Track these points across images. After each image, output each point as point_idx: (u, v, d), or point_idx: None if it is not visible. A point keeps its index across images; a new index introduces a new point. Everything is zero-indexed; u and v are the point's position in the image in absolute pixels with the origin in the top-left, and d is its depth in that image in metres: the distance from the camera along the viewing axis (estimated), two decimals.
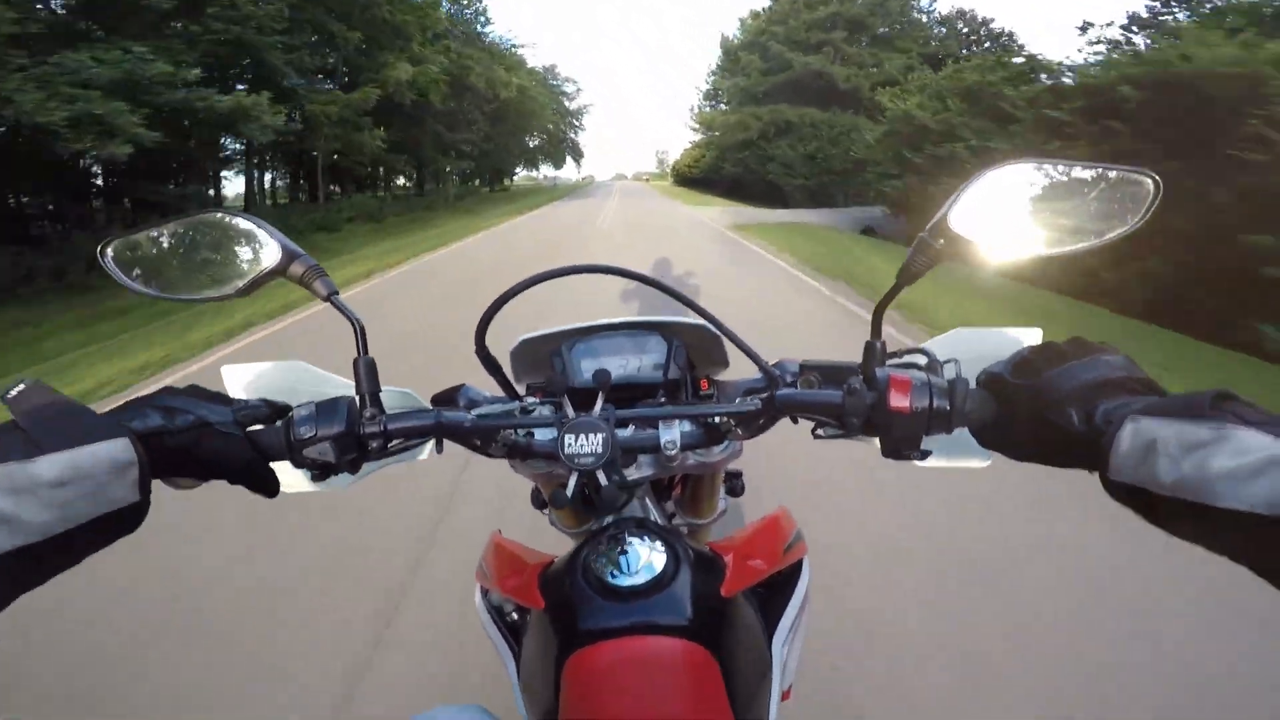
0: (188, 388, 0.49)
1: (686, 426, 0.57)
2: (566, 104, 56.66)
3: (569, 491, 0.52)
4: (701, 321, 0.61)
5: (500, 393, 0.67)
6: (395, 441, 0.54)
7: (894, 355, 0.54)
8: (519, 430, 0.57)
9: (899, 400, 0.47)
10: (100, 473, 0.36)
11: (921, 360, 0.52)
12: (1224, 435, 0.31)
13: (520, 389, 0.72)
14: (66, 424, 0.37)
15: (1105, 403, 0.40)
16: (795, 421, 0.57)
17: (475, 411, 0.58)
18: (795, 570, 0.65)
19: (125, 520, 0.39)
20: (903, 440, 0.48)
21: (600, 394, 0.55)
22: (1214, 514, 0.31)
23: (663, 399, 0.66)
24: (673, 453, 0.55)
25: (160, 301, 0.60)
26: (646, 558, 0.53)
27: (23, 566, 0.34)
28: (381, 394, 0.55)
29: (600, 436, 0.51)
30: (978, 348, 0.56)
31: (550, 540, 0.82)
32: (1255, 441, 0.30)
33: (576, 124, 61.30)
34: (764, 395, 0.56)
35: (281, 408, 0.53)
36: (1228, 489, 0.30)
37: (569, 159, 64.72)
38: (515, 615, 0.66)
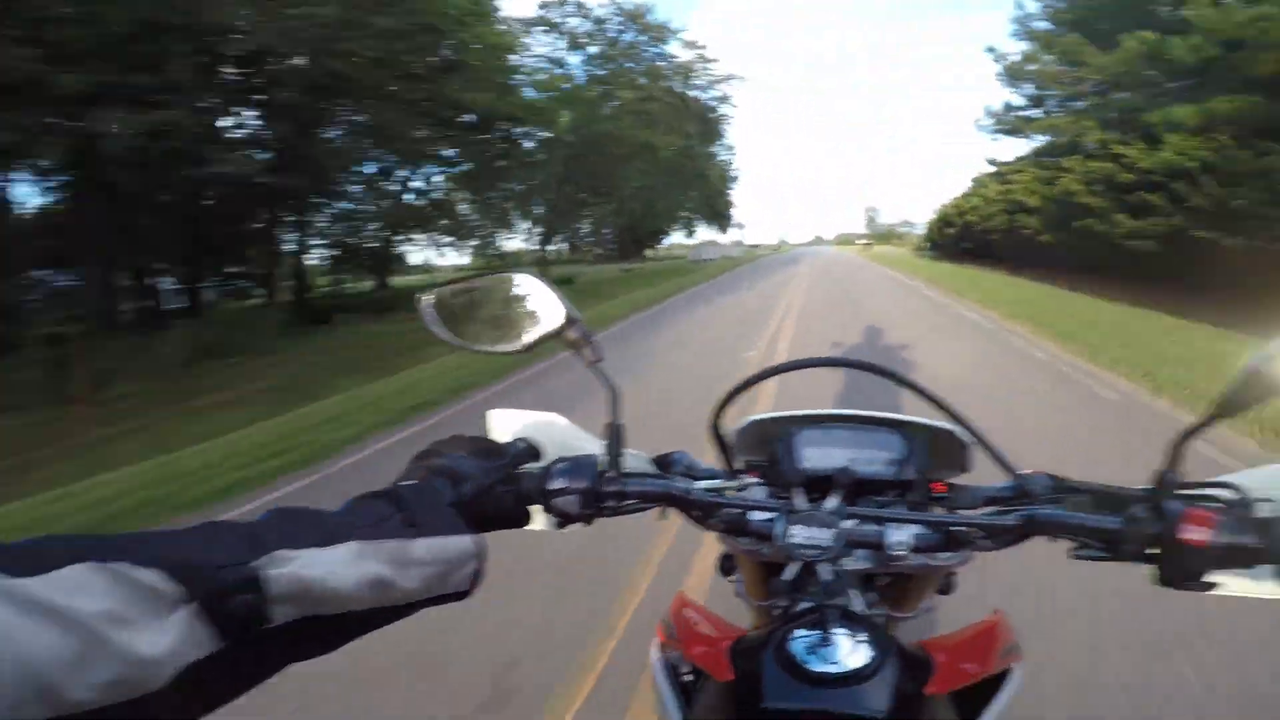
0: (466, 444, 0.55)
1: (920, 529, 0.55)
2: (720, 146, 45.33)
3: (787, 576, 0.53)
4: (948, 425, 0.59)
5: (717, 465, 0.69)
6: (629, 502, 0.58)
7: (1191, 486, 0.49)
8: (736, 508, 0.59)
9: (1193, 533, 0.44)
10: (454, 561, 0.43)
11: (1227, 494, 0.47)
12: None
13: (739, 463, 0.73)
14: (434, 513, 0.44)
15: None
16: (1053, 540, 0.53)
17: (700, 484, 0.61)
18: (1003, 677, 0.60)
19: (452, 598, 0.44)
20: (1188, 571, 0.46)
21: (839, 490, 0.56)
22: None
23: (893, 498, 0.65)
24: (900, 554, 0.53)
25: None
26: (850, 649, 0.51)
27: (371, 619, 0.39)
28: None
29: (829, 532, 0.52)
30: None
31: (722, 604, 0.81)
32: None
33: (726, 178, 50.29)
34: (1019, 509, 0.53)
35: (537, 453, 0.59)
36: None
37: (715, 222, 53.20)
38: (690, 677, 0.66)
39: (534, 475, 0.56)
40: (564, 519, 0.57)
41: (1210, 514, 0.44)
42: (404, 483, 0.48)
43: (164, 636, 0.28)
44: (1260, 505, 0.45)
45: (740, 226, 56.28)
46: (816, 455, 0.67)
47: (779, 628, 0.56)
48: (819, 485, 0.60)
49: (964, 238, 26.48)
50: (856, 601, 0.71)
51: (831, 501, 0.55)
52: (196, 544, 0.32)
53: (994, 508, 0.58)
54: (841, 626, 0.53)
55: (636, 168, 24.71)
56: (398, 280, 27.10)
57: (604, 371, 0.60)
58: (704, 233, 56.51)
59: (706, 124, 40.25)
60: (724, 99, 40.88)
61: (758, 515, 0.58)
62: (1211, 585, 0.46)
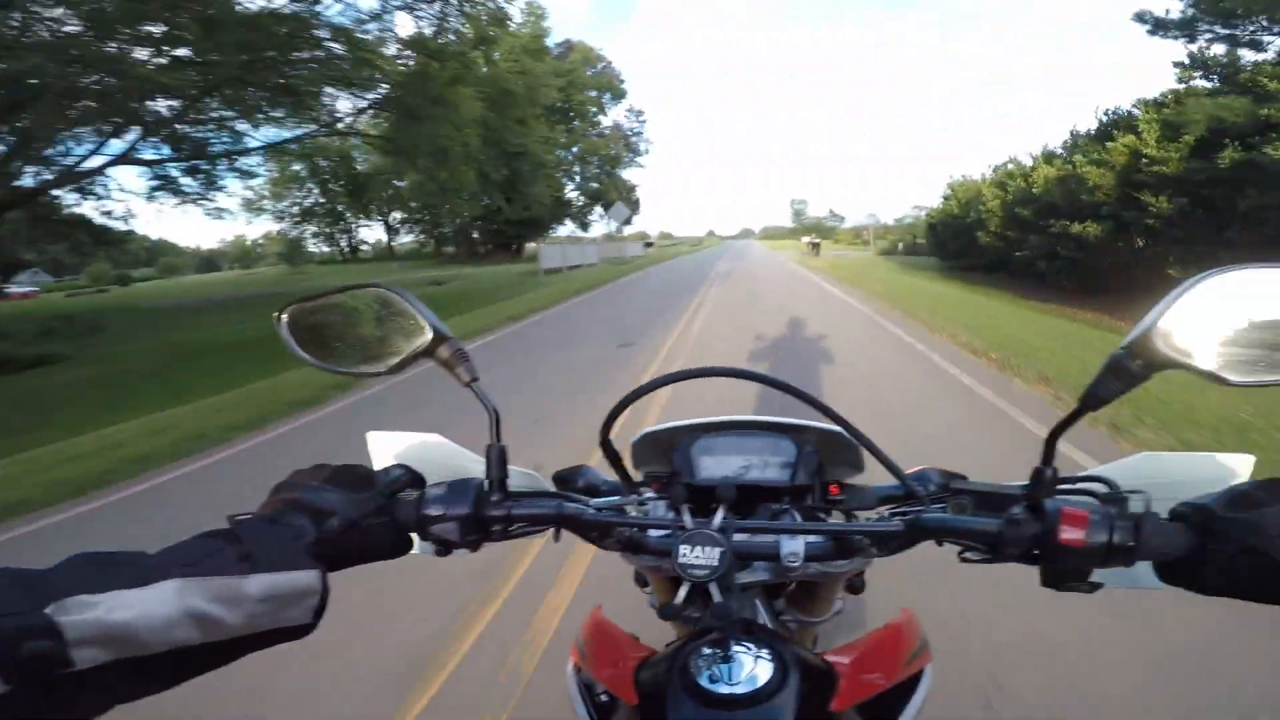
0: (328, 474, 0.52)
1: (813, 538, 0.54)
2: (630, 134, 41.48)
3: (679, 600, 0.52)
4: (836, 428, 0.58)
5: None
6: (517, 526, 0.56)
7: (1066, 481, 0.49)
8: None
9: (1071, 533, 0.43)
10: (291, 596, 0.42)
11: (1100, 488, 0.48)
12: None
13: (639, 475, 0.72)
14: (275, 547, 0.43)
15: None
16: (940, 544, 0.53)
17: (595, 503, 0.59)
18: (915, 680, 0.61)
19: (291, 635, 0.43)
20: (1070, 573, 0.45)
21: (721, 506, 0.54)
22: None
23: (787, 503, 0.64)
24: (794, 564, 0.53)
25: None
26: (751, 667, 0.50)
27: (202, 658, 0.39)
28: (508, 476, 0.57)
29: (717, 551, 0.50)
30: (1169, 473, 0.50)
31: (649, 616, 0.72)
32: None
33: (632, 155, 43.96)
34: (905, 515, 0.53)
35: (418, 478, 0.56)
36: None
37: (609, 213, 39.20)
38: (605, 698, 0.65)
39: (409, 503, 0.53)
40: (445, 546, 0.54)
41: (1085, 513, 0.44)
42: (246, 516, 0.46)
43: None
44: (1133, 498, 0.46)
45: (626, 222, 46.93)
46: (712, 464, 0.66)
47: (682, 647, 0.55)
48: (712, 496, 0.59)
49: (969, 243, 17.51)
50: (762, 613, 0.71)
51: (718, 518, 0.53)
52: None
53: (888, 507, 0.59)
54: (743, 644, 0.52)
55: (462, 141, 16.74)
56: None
57: (481, 391, 0.58)
58: (601, 227, 45.95)
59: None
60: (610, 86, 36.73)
61: (656, 532, 0.57)
62: (1096, 586, 0.46)
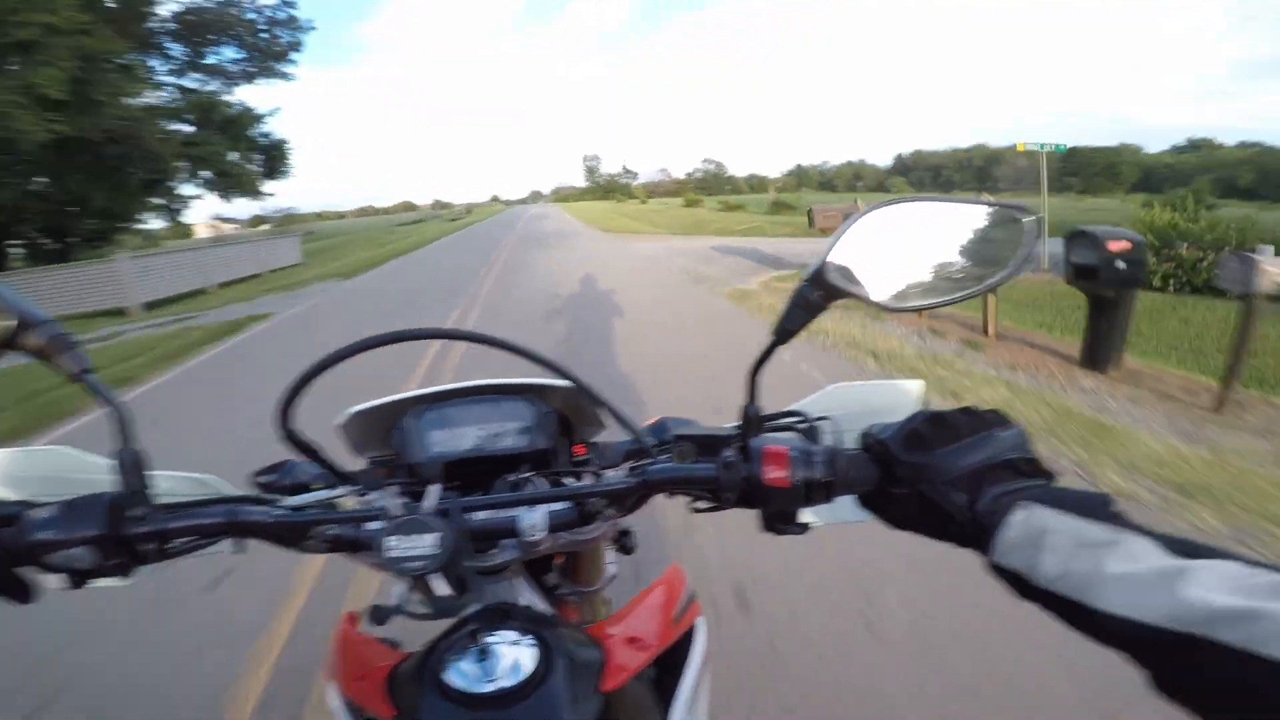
0: None
1: (555, 507, 0.50)
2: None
3: (396, 601, 0.46)
4: (568, 384, 0.55)
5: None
6: (177, 541, 0.46)
7: (769, 419, 0.51)
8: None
9: (774, 473, 0.44)
10: None
11: (796, 423, 0.50)
12: (1118, 539, 0.32)
13: (362, 463, 0.63)
14: None
15: (995, 486, 0.40)
16: (670, 496, 0.51)
17: (291, 501, 0.50)
18: (689, 636, 0.60)
19: None
20: (781, 515, 0.46)
21: (433, 486, 0.48)
22: (1097, 614, 0.31)
23: (529, 470, 0.60)
24: (537, 537, 0.48)
25: None
26: (512, 657, 0.45)
27: None
28: (169, 481, 0.49)
29: (432, 536, 0.43)
30: (856, 402, 0.54)
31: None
32: (1148, 551, 0.31)
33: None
34: (639, 470, 0.51)
35: (16, 505, 0.45)
36: (1115, 593, 0.30)
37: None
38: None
39: (13, 532, 0.44)
40: (79, 577, 0.44)
41: (784, 450, 0.45)
42: None
43: None
44: (823, 425, 0.49)
45: (263, 195, 22.45)
46: (442, 438, 0.60)
47: (434, 646, 0.48)
48: (457, 473, 0.54)
49: None
50: (527, 593, 0.67)
51: (430, 499, 0.47)
52: None
53: (629, 463, 0.58)
54: (499, 634, 0.47)
55: None
56: None
57: (97, 384, 0.46)
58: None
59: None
60: None
61: (374, 524, 0.48)
62: (805, 527, 0.47)
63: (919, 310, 0.48)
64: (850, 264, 0.45)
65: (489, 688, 0.43)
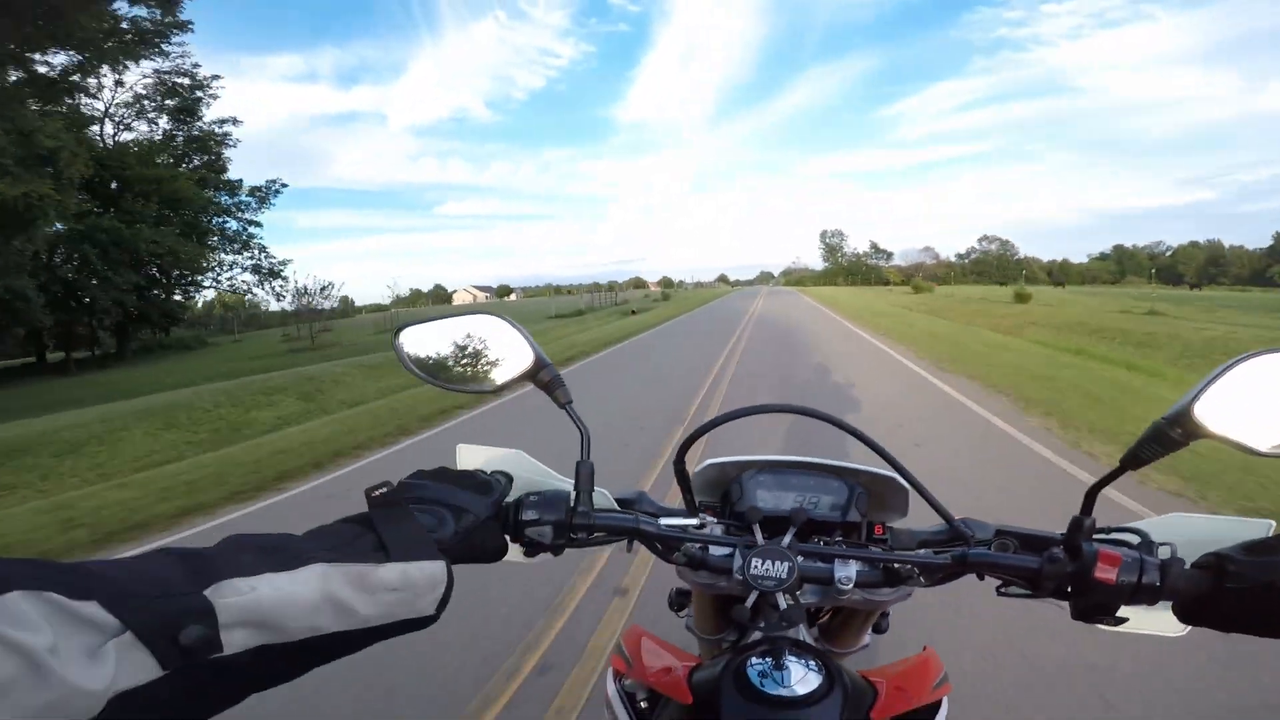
0: (454, 476, 0.57)
1: (864, 566, 0.60)
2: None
3: (749, 604, 0.57)
4: (889, 473, 0.63)
5: (676, 504, 0.72)
6: (597, 534, 0.62)
7: (1103, 531, 0.55)
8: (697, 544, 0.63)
9: (1105, 572, 0.49)
10: (421, 586, 0.43)
11: (1133, 539, 0.53)
12: None
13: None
14: (407, 536, 0.44)
15: None
16: (981, 578, 0.58)
17: (663, 522, 0.64)
18: (935, 707, 0.66)
19: (416, 625, 0.44)
20: (1098, 606, 0.51)
21: (792, 527, 0.60)
22: None
23: (839, 539, 0.69)
24: (846, 588, 0.58)
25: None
26: (801, 675, 0.55)
27: (332, 646, 0.39)
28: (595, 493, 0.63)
29: (786, 564, 0.56)
30: (1197, 534, 0.54)
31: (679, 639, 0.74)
32: None
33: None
34: (951, 550, 0.59)
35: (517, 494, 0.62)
36: None
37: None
38: (645, 704, 0.69)
39: (510, 506, 0.60)
40: (535, 549, 0.61)
41: (1118, 555, 0.50)
42: (382, 490, 0.48)
43: (97, 666, 0.28)
44: (1161, 549, 0.51)
45: (282, 278, 31.65)
46: (768, 498, 0.72)
47: (735, 655, 0.59)
48: (770, 526, 0.64)
49: None
50: (803, 634, 0.76)
51: (787, 537, 0.59)
52: (142, 573, 0.32)
53: (928, 549, 0.64)
54: (792, 655, 0.57)
55: None
56: None
57: (575, 414, 0.64)
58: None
59: None
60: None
61: (717, 550, 0.62)
62: (1120, 620, 0.51)
63: None
64: (1219, 407, 0.46)
65: (781, 693, 0.53)
